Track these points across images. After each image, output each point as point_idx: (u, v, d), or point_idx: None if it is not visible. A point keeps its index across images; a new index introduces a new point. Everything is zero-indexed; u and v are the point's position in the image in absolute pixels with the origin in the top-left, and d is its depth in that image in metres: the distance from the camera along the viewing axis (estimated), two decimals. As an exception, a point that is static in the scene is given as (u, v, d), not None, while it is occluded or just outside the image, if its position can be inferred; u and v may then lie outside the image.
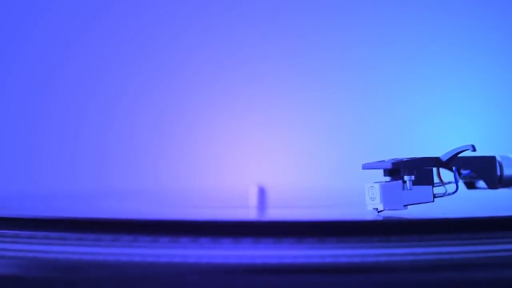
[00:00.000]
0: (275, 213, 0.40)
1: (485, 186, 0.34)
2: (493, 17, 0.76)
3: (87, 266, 0.26)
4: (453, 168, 0.33)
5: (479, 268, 0.26)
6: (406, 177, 0.32)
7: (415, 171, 0.32)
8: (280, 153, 0.76)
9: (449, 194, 0.33)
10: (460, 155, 0.32)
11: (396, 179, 0.32)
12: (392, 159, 0.33)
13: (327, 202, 0.47)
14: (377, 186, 0.32)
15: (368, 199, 0.32)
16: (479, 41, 0.76)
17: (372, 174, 0.33)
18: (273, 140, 0.76)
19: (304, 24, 0.77)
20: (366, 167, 0.33)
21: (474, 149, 0.32)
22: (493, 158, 0.33)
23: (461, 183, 0.35)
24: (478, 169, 0.33)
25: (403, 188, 0.32)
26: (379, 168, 0.32)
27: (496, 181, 0.33)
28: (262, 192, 0.45)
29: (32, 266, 0.26)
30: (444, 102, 0.75)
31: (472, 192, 0.36)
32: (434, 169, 0.33)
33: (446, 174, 0.33)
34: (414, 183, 0.32)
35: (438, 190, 0.33)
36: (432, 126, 0.75)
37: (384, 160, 0.33)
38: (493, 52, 0.76)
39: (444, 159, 0.32)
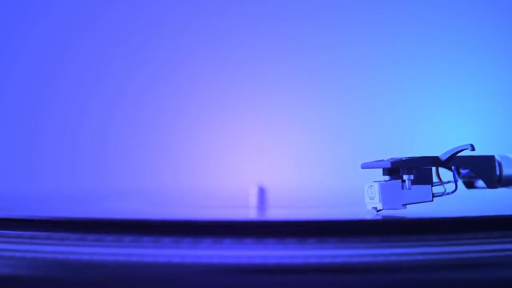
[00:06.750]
0: (275, 213, 0.40)
1: (484, 185, 0.34)
2: (493, 17, 0.76)
3: (89, 266, 0.26)
4: (452, 167, 0.33)
5: (479, 268, 0.26)
6: (405, 177, 0.32)
7: (414, 170, 0.32)
8: (280, 153, 0.76)
9: (448, 193, 0.33)
10: (459, 154, 0.32)
11: (395, 179, 0.32)
12: (391, 158, 0.32)
13: (327, 202, 0.47)
14: (376, 185, 0.32)
15: (367, 198, 0.32)
16: (479, 41, 0.76)
17: (371, 173, 0.33)
18: (273, 140, 0.76)
19: (304, 24, 0.77)
20: (365, 166, 0.33)
21: (473, 149, 0.32)
22: (492, 158, 0.33)
23: (460, 183, 0.35)
24: (477, 169, 0.33)
25: (402, 188, 0.32)
26: (378, 168, 0.32)
27: (495, 180, 0.33)
28: (262, 192, 0.45)
29: (32, 266, 0.26)
30: (444, 102, 0.75)
31: (471, 191, 0.36)
32: (433, 169, 0.33)
33: (445, 174, 0.33)
34: (413, 182, 0.32)
35: (437, 189, 0.33)
36: (431, 126, 0.75)
37: (383, 160, 0.33)
38: (493, 52, 0.76)
39: (443, 158, 0.32)
